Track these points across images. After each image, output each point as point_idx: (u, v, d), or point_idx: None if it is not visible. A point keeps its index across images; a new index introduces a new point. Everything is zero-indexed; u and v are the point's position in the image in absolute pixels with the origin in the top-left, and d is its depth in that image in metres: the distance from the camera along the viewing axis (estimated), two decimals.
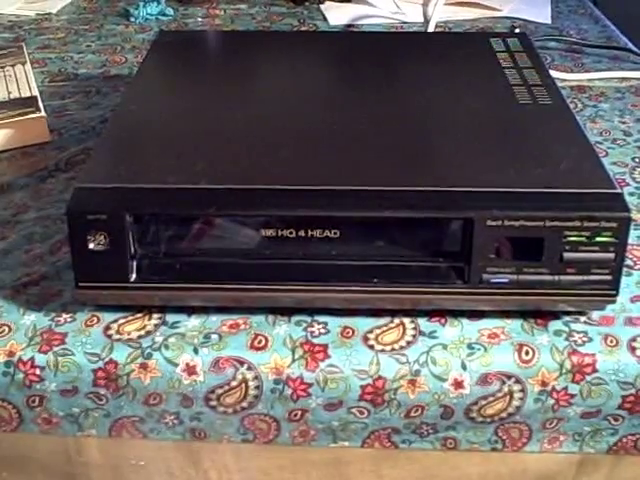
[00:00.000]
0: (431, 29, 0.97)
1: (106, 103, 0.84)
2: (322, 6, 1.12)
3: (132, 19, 1.08)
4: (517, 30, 1.00)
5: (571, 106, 0.67)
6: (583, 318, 0.55)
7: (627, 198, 0.53)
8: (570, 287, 0.52)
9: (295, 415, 0.54)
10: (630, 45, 0.98)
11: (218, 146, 0.58)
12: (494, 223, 0.50)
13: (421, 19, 1.06)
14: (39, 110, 0.77)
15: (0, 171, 0.73)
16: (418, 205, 0.51)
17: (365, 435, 0.55)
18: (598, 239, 0.50)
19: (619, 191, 0.52)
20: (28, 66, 0.87)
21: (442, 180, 0.53)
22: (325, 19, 1.08)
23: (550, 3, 1.12)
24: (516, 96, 0.64)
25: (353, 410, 0.53)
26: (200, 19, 1.09)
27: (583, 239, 0.50)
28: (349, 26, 1.06)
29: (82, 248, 0.52)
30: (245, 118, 0.62)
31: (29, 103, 0.78)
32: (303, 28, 1.06)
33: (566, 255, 0.51)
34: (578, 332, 0.54)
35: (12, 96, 0.80)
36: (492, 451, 0.55)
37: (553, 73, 0.80)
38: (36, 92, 0.80)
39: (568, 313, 0.55)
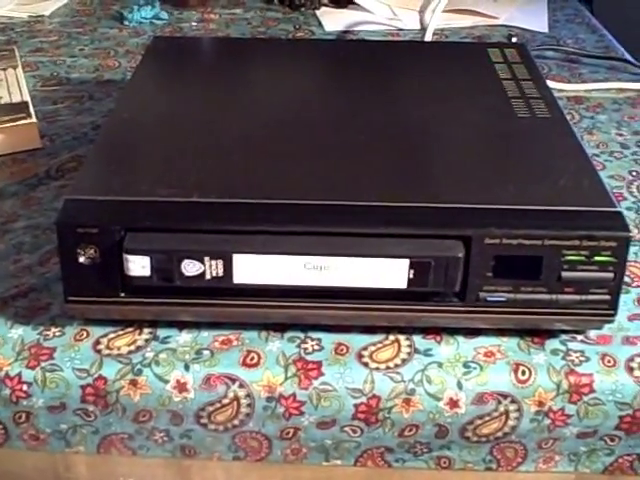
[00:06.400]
0: (428, 38, 0.96)
1: (98, 109, 0.83)
2: (318, 12, 1.11)
3: (126, 23, 1.07)
4: (514, 39, 0.99)
5: (568, 117, 0.66)
6: (580, 337, 0.54)
7: (624, 212, 0.52)
8: (568, 306, 0.51)
9: (287, 433, 0.53)
10: (627, 56, 0.97)
11: (211, 157, 0.57)
12: (492, 241, 0.50)
13: (417, 26, 1.05)
14: (30, 116, 0.76)
15: None
16: (414, 222, 0.50)
17: (358, 454, 0.54)
18: (597, 258, 0.50)
19: (619, 209, 0.51)
20: (19, 70, 0.86)
21: (439, 197, 0.52)
22: (321, 25, 1.07)
23: (547, 12, 1.12)
24: (514, 109, 0.64)
25: (346, 429, 0.52)
26: (195, 23, 1.08)
27: (582, 258, 0.50)
28: (345, 32, 1.05)
29: (72, 261, 0.51)
30: (239, 128, 0.61)
31: (20, 108, 0.77)
32: (299, 34, 1.05)
33: (564, 274, 0.50)
34: (575, 351, 0.53)
35: (3, 101, 0.78)
36: (486, 470, 0.55)
37: (550, 83, 0.79)
38: (27, 97, 0.79)
39: (565, 332, 0.55)
